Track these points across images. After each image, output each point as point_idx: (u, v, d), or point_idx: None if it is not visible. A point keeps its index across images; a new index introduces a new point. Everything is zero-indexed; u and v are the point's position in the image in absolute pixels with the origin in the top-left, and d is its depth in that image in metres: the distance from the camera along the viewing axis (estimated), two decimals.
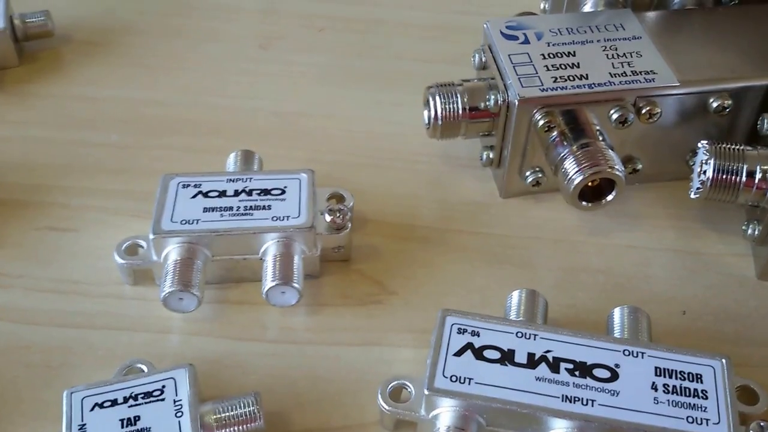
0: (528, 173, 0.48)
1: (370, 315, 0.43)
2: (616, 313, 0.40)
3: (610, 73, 0.46)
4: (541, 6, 0.58)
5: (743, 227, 0.45)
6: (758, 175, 0.43)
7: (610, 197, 0.45)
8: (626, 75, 0.46)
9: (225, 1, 0.65)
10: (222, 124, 0.54)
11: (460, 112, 0.48)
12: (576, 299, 0.44)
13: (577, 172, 0.44)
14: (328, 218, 0.43)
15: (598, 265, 0.46)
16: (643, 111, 0.45)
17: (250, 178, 0.44)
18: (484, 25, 0.50)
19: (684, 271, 0.45)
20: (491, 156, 0.49)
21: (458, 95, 0.48)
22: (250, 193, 0.44)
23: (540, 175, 0.48)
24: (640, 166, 0.48)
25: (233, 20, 0.63)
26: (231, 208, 0.43)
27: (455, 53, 0.58)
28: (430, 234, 0.47)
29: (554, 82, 0.46)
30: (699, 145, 0.44)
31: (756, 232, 0.44)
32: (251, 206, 0.43)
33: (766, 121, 0.45)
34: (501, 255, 0.46)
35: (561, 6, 0.55)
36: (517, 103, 0.45)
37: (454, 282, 0.45)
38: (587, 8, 0.53)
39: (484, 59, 0.49)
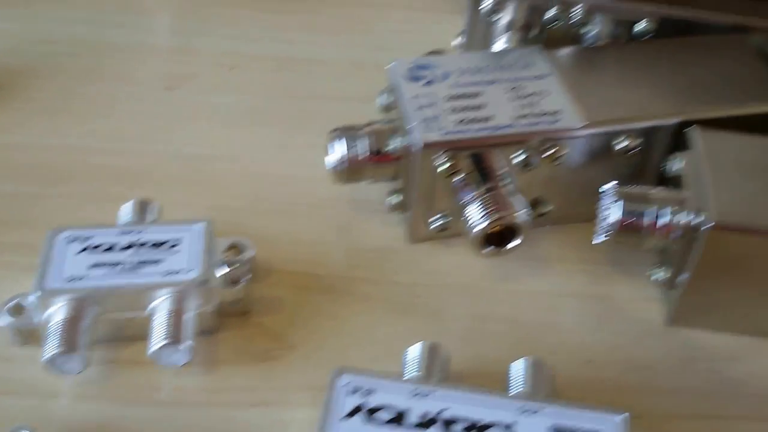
0: (435, 218, 0.47)
1: (269, 372, 0.41)
2: (515, 367, 0.39)
3: (514, 115, 0.45)
4: (455, 42, 0.57)
5: (651, 272, 0.44)
6: (663, 219, 0.42)
7: (511, 245, 0.44)
8: (530, 116, 0.45)
9: (134, 41, 0.63)
10: (125, 170, 0.52)
11: (364, 156, 0.46)
12: (482, 349, 0.43)
13: (479, 219, 0.43)
14: (223, 271, 0.41)
15: (506, 312, 0.45)
16: (548, 153, 0.44)
17: (143, 231, 0.43)
18: (389, 66, 0.48)
19: (592, 317, 0.44)
20: (398, 201, 0.48)
21: (362, 139, 0.46)
22: (141, 246, 0.42)
23: (447, 220, 0.47)
24: (549, 208, 0.47)
25: (142, 60, 0.62)
26: (120, 264, 0.41)
27: (369, 91, 0.57)
28: (336, 283, 0.46)
29: (457, 125, 0.45)
30: (602, 188, 0.43)
31: (664, 277, 0.44)
32: (142, 261, 0.41)
33: (671, 163, 0.44)
34: (407, 304, 0.45)
35: (474, 43, 0.55)
36: (418, 147, 0.44)
37: (357, 334, 0.43)
38: (501, 45, 0.52)
39: (389, 101, 0.48)
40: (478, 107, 0.46)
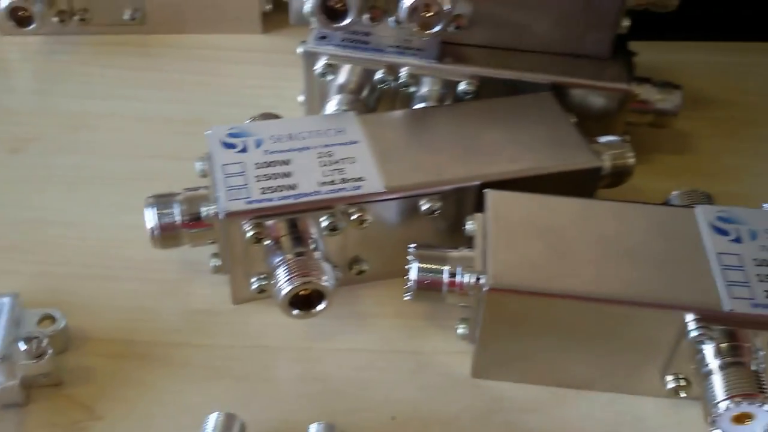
0: (253, 280, 0.48)
1: None
2: None
3: (319, 182, 0.47)
4: (300, 99, 0.58)
5: (455, 326, 0.46)
6: (458, 278, 0.44)
7: (318, 308, 0.45)
8: (335, 183, 0.47)
9: None
10: None
11: (177, 222, 0.47)
12: (291, 412, 0.44)
13: (283, 283, 0.44)
14: (23, 347, 0.42)
15: (320, 372, 0.46)
16: (353, 218, 0.46)
17: None
18: (207, 132, 0.50)
19: (402, 372, 0.46)
20: (219, 263, 0.49)
21: (176, 205, 0.47)
22: None
23: (265, 282, 0.48)
24: (366, 267, 0.49)
25: None
26: None
27: None
28: (154, 349, 0.47)
29: (263, 193, 0.46)
30: (408, 248, 0.45)
31: (465, 332, 0.45)
32: None
33: (467, 224, 0.45)
34: (221, 368, 0.46)
35: (312, 102, 0.56)
36: (223, 216, 0.45)
37: (167, 402, 0.44)
38: (333, 105, 0.54)
39: (205, 167, 0.49)
40: (286, 175, 0.47)
